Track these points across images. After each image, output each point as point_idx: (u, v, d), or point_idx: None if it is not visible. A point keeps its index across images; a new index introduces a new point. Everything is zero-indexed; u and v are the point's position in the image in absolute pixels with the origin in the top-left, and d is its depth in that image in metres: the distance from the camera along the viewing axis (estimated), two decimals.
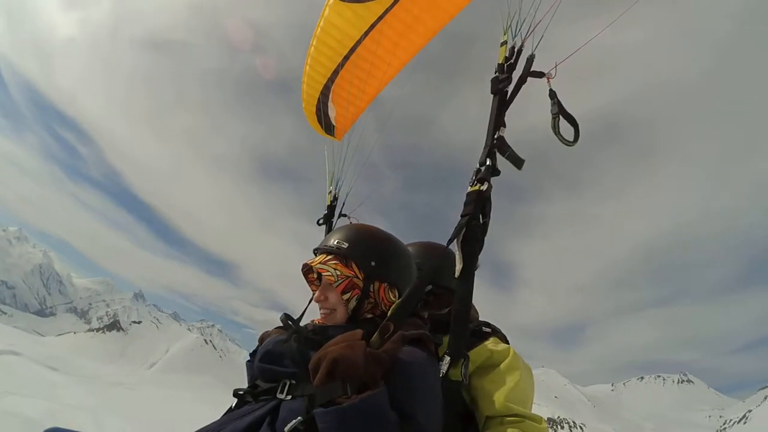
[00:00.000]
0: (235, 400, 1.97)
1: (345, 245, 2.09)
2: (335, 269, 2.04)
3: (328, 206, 3.67)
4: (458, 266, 2.18)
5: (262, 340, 2.23)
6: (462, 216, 2.23)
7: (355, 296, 2.04)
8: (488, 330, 2.32)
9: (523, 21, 2.54)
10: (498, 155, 2.36)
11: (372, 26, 3.27)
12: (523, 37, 2.53)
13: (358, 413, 1.46)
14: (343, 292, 2.03)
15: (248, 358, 2.18)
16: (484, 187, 2.25)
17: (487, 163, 2.32)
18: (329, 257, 2.10)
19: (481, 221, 2.24)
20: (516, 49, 2.54)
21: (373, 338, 1.76)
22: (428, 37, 3.39)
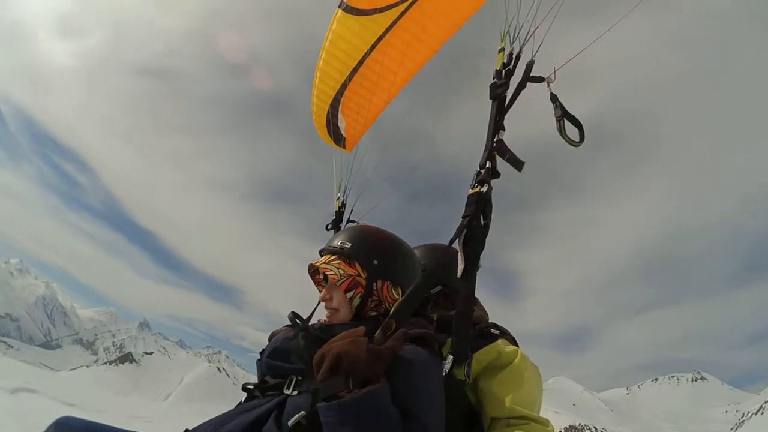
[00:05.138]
0: (244, 395, 2.06)
1: (348, 245, 2.18)
2: (338, 268, 2.13)
3: (336, 212, 3.75)
4: (460, 266, 2.20)
5: (271, 338, 2.34)
6: (463, 217, 2.26)
7: (359, 294, 2.12)
8: (497, 332, 2.35)
9: (521, 27, 2.56)
10: (498, 158, 2.40)
11: (380, 38, 3.29)
12: (521, 43, 2.55)
13: (358, 407, 1.49)
14: (347, 291, 2.11)
15: (258, 358, 2.27)
16: (485, 189, 2.28)
17: (487, 165, 2.36)
18: (333, 257, 2.20)
19: (482, 222, 2.27)
20: (514, 56, 2.57)
21: (375, 335, 1.81)
22: (435, 47, 3.42)
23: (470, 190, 2.33)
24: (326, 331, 2.02)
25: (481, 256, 2.26)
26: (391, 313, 1.96)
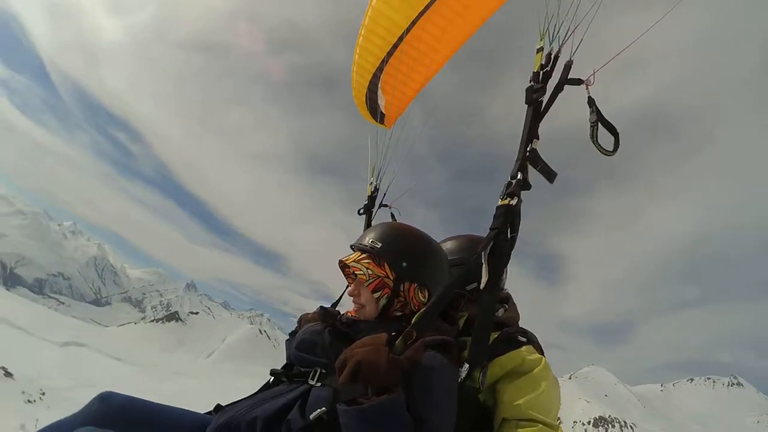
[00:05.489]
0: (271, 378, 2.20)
1: (378, 245, 2.21)
2: (367, 268, 2.19)
3: (368, 197, 3.71)
4: (484, 279, 2.16)
5: (300, 321, 2.49)
6: (491, 229, 2.22)
7: (386, 295, 2.18)
8: (524, 339, 2.30)
9: (561, 24, 2.39)
10: (530, 168, 2.32)
11: (420, 14, 3.23)
12: (560, 42, 2.41)
13: (375, 414, 1.58)
14: (374, 291, 2.17)
15: (288, 337, 2.46)
16: (514, 202, 2.22)
17: (518, 176, 2.28)
18: (363, 255, 2.25)
19: (509, 236, 2.22)
20: (552, 56, 2.43)
21: (396, 343, 1.85)
22: (477, 24, 3.32)
23: (499, 201, 2.26)
24: (352, 326, 2.12)
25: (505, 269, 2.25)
26: (413, 321, 1.98)
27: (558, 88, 2.37)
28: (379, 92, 3.74)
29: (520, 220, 2.24)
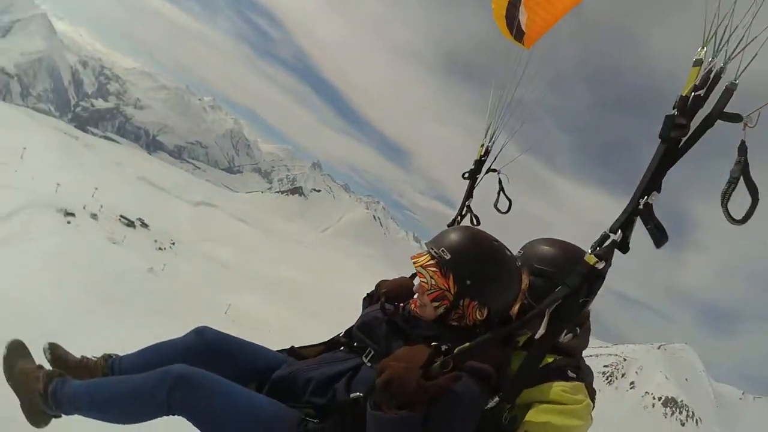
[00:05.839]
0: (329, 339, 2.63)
1: (447, 256, 2.21)
2: (432, 277, 2.24)
3: (476, 161, 3.40)
4: (541, 331, 1.93)
5: (378, 287, 2.83)
6: (564, 284, 1.88)
7: (444, 306, 2.23)
8: (573, 375, 2.21)
9: (734, 30, 1.68)
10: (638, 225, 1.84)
11: None
12: (728, 56, 1.71)
13: (391, 425, 1.74)
14: (433, 301, 2.24)
15: (365, 296, 2.90)
16: (601, 266, 1.81)
17: (618, 234, 1.82)
18: (432, 262, 2.28)
19: (581, 299, 1.87)
20: (713, 76, 1.73)
21: (434, 366, 1.84)
22: None
23: (587, 254, 1.85)
24: (410, 322, 2.31)
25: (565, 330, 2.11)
26: (455, 352, 1.91)
27: (707, 123, 1.73)
28: (521, 7, 3.29)
29: (601, 285, 1.89)
